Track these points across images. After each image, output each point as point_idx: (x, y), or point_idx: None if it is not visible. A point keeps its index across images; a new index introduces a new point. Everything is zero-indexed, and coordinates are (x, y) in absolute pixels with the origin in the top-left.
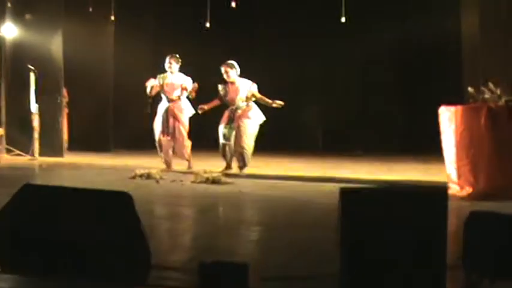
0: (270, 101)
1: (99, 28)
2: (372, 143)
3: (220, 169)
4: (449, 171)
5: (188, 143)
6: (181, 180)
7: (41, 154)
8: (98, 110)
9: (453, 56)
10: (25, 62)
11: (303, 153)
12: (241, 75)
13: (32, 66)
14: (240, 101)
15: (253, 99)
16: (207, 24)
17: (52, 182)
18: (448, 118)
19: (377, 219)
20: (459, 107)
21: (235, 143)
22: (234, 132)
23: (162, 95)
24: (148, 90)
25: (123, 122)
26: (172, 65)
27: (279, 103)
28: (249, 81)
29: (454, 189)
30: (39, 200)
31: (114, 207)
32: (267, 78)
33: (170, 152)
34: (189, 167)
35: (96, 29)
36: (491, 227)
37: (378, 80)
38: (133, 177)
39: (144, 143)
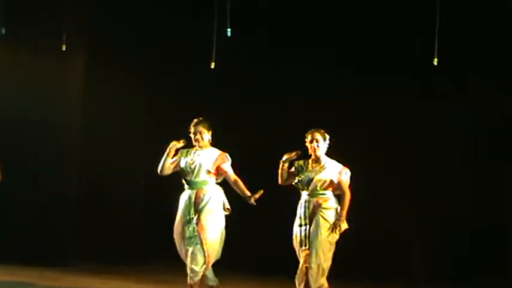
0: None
1: (57, 64)
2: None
3: None
4: None
5: None
6: None
7: None
8: (50, 198)
9: None
10: None
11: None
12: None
13: None
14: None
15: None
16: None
17: None
18: None
19: None
20: None
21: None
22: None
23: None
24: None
25: (91, 220)
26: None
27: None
28: (338, 164)
29: None
30: None
31: None
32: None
33: None
34: None
35: (51, 65)
36: None
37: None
38: None
39: (120, 254)
